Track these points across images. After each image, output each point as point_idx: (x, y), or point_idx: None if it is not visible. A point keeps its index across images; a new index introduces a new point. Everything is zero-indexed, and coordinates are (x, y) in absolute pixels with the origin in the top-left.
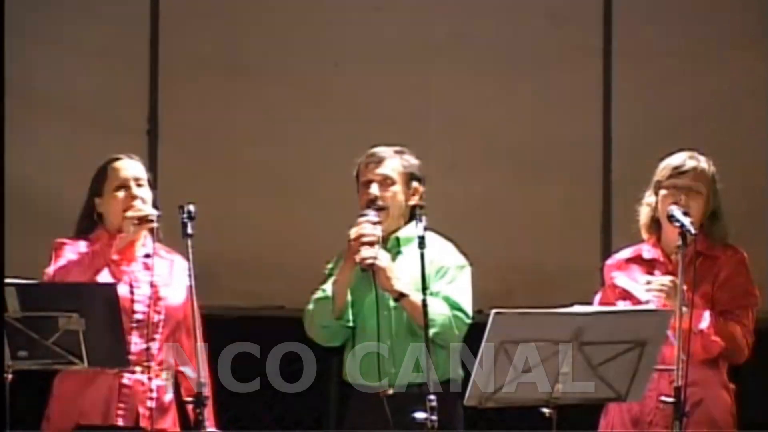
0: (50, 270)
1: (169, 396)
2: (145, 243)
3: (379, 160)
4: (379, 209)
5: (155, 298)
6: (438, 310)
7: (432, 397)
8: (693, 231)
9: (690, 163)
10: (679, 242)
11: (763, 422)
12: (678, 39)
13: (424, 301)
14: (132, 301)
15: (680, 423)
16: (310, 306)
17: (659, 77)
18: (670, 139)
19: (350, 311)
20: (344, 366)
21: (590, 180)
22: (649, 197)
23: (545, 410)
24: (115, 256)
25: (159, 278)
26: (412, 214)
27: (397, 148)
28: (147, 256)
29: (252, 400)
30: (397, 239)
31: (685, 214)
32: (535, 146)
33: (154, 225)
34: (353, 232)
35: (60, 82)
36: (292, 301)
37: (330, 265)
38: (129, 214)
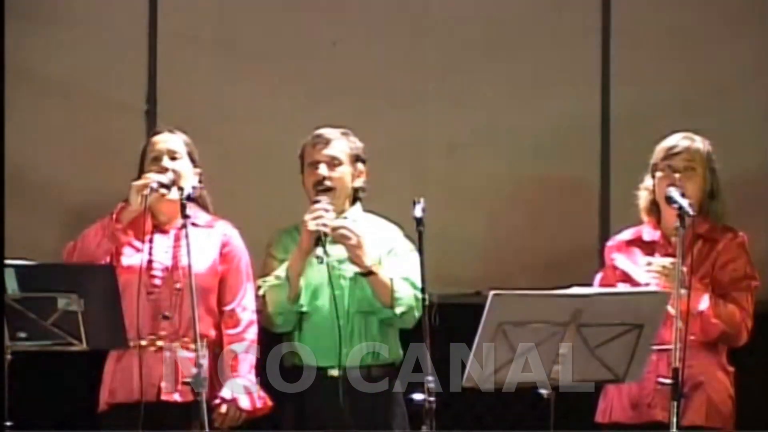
0: (70, 243)
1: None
2: (187, 213)
3: (327, 141)
4: (326, 190)
5: (172, 269)
6: (405, 291)
7: (430, 378)
8: (691, 212)
9: (683, 143)
10: (677, 223)
11: (762, 406)
12: (677, 18)
13: (423, 279)
14: (150, 276)
15: (678, 404)
16: (260, 292)
17: (658, 57)
18: (668, 120)
19: (303, 295)
20: (290, 348)
21: (588, 160)
22: (646, 181)
23: (543, 392)
24: (119, 225)
25: (184, 248)
26: (355, 197)
27: (343, 130)
28: (183, 226)
29: None
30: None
31: (683, 195)
32: (533, 126)
33: (165, 192)
34: (308, 219)
35: (57, 62)
36: None
37: (272, 250)
38: (134, 183)
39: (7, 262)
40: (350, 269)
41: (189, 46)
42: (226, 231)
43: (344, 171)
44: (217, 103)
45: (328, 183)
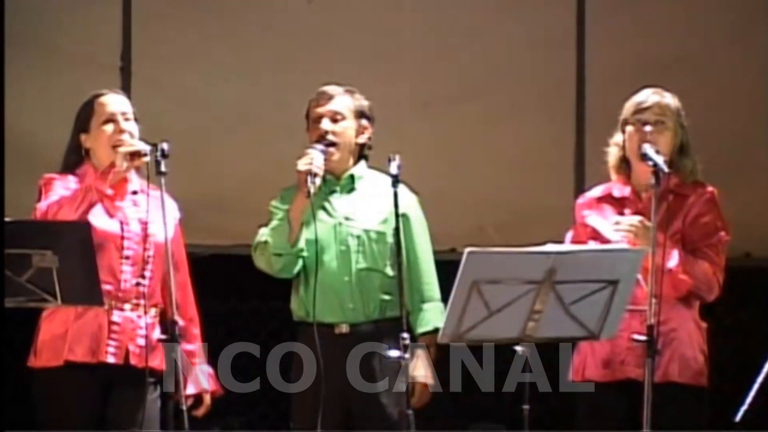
0: (42, 205)
1: (157, 333)
2: (131, 179)
3: (330, 97)
4: (330, 144)
5: (144, 235)
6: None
7: (405, 335)
8: (666, 169)
9: (653, 98)
10: (652, 180)
11: (735, 360)
12: None
13: (398, 241)
14: (122, 238)
15: (653, 361)
16: (263, 238)
17: (634, 16)
18: (643, 79)
19: (303, 239)
20: (298, 302)
21: (564, 119)
22: (616, 137)
23: (518, 349)
24: (109, 191)
25: (151, 214)
26: (360, 153)
27: (348, 88)
28: (135, 192)
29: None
30: (351, 176)
31: (657, 152)
32: (509, 85)
33: (147, 160)
34: (300, 164)
35: (32, 19)
36: None
37: (274, 203)
38: (122, 149)
39: None
40: (357, 226)
41: (164, 3)
42: (171, 202)
43: (347, 126)
44: (191, 60)
45: (330, 137)
